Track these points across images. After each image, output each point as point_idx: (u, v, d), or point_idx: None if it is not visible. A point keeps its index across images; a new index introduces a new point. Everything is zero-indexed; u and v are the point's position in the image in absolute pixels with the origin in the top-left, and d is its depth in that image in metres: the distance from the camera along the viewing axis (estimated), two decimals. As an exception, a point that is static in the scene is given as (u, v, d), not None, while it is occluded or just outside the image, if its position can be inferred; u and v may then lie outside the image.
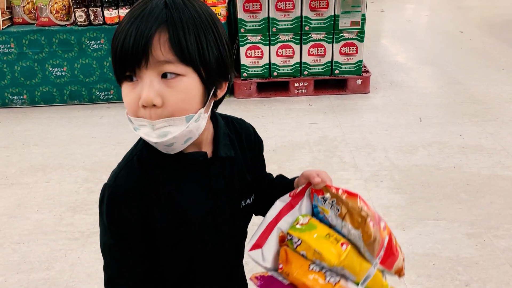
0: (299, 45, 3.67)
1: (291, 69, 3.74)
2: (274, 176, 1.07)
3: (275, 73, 3.75)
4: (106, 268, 0.89)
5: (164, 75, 0.75)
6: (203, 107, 0.81)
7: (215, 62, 0.79)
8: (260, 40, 3.65)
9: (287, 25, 3.61)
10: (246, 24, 3.60)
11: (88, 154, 3.00)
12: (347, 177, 2.64)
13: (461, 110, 3.47)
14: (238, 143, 0.96)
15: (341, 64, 3.73)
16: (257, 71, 3.75)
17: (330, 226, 0.89)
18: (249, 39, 3.65)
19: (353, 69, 3.75)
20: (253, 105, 3.66)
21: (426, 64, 4.56)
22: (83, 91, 3.73)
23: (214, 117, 0.93)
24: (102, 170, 2.78)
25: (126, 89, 0.78)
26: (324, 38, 3.65)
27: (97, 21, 3.55)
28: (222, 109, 0.93)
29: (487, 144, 2.95)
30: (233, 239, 0.96)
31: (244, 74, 3.75)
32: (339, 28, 3.62)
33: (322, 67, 3.74)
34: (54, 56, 3.61)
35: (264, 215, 0.93)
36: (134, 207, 0.85)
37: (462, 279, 1.88)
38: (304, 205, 0.92)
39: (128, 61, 0.75)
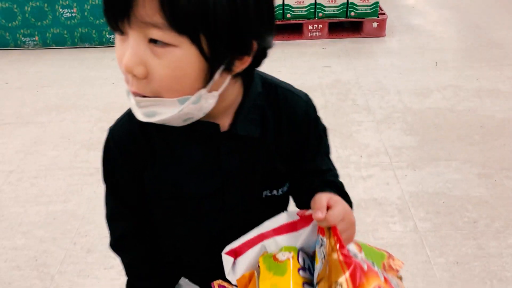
0: (313, -14, 3.56)
1: (305, 11, 3.64)
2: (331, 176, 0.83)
3: (288, 15, 3.66)
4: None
5: (153, 39, 0.57)
6: (204, 86, 0.61)
7: (227, 30, 0.57)
8: (273, -20, 3.53)
9: (302, -36, 3.49)
10: (259, -37, 3.48)
11: (101, 95, 3.01)
12: (359, 119, 2.63)
13: (479, 54, 3.38)
14: (274, 121, 0.74)
15: (357, 6, 3.62)
16: (270, 13, 3.65)
17: (310, 282, 0.66)
18: (262, -21, 3.53)
19: (369, 11, 3.64)
20: (265, 48, 3.59)
21: (445, 8, 4.40)
22: (94, 34, 3.69)
23: (251, 80, 0.72)
24: (115, 110, 2.77)
25: (117, 41, 0.62)
26: (340, -22, 3.53)
27: (106, -41, 3.45)
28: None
29: (504, 88, 2.89)
30: (242, 230, 0.73)
31: (257, 16, 3.66)
32: (356, -33, 3.49)
33: (338, 8, 3.63)
34: (64, -4, 3.55)
35: (302, 207, 0.75)
36: (126, 162, 0.76)
37: (471, 216, 1.90)
38: (306, 236, 0.71)
39: (109, 14, 0.59)
